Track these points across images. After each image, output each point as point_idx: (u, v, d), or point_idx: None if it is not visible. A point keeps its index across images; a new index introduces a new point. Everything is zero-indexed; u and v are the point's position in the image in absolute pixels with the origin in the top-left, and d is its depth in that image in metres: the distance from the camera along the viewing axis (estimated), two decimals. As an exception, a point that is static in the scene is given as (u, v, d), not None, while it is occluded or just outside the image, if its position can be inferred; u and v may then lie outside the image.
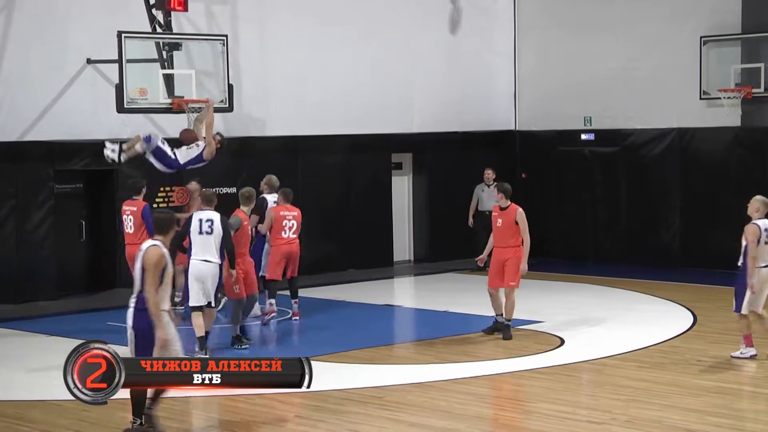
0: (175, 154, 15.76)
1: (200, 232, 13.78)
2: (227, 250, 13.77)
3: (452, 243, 22.61)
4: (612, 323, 16.11)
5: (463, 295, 18.68)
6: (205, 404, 11.81)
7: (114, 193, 18.94)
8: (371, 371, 13.22)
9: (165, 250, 9.93)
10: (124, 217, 15.73)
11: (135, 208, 15.62)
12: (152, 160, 15.73)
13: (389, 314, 17.76)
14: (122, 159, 15.77)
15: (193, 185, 17.01)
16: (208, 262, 13.72)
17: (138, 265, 9.99)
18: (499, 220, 14.87)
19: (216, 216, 13.82)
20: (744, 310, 13.17)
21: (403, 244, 23.08)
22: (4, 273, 17.90)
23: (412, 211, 23.38)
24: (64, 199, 18.75)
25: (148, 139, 15.58)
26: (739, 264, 13.29)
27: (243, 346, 14.31)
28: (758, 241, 13.10)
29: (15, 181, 18.00)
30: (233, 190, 19.58)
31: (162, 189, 19.26)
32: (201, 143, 15.89)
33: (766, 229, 13.19)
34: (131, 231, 15.58)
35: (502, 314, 14.95)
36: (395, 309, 18.17)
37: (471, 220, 21.41)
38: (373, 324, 16.66)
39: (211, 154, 15.84)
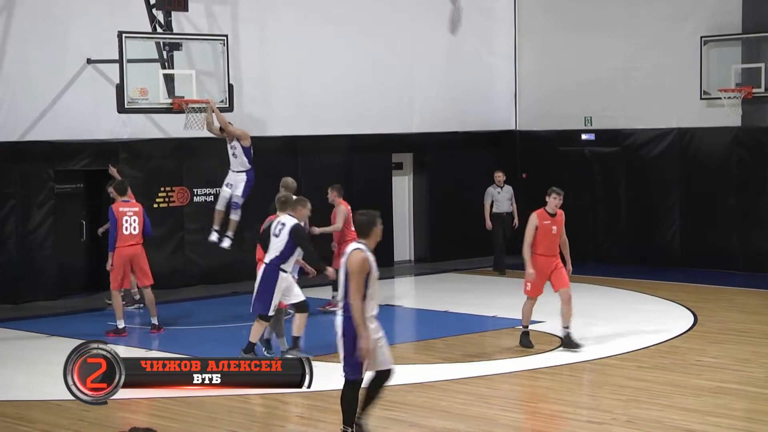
0: (243, 174, 16.56)
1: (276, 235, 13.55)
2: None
3: (453, 243, 22.61)
4: (612, 323, 16.10)
5: (464, 296, 18.68)
6: (206, 404, 11.80)
7: (114, 193, 18.95)
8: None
9: (369, 254, 9.58)
10: (126, 218, 15.43)
11: (137, 209, 15.54)
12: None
13: (389, 314, 17.75)
14: (228, 242, 16.69)
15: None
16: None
17: (342, 271, 9.70)
18: (554, 228, 14.14)
19: (289, 221, 13.55)
20: None
21: (403, 244, 23.08)
22: (5, 273, 17.90)
23: (413, 211, 23.38)
24: (65, 199, 18.75)
25: (237, 206, 16.52)
26: None
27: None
28: None
29: (15, 181, 17.99)
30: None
31: (162, 189, 19.27)
32: (236, 143, 16.26)
33: None
34: (136, 232, 15.47)
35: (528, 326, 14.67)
36: (396, 309, 18.16)
37: (489, 222, 21.17)
38: (374, 324, 16.65)
39: (248, 139, 16.52)
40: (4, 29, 17.79)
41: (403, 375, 12.96)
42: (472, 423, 10.75)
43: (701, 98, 21.03)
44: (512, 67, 24.16)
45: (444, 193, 22.90)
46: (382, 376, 9.83)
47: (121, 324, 15.43)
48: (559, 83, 23.43)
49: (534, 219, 14.07)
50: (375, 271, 9.64)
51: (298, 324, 13.76)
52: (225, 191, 16.73)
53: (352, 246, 9.71)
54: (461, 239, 22.06)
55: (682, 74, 21.46)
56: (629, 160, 22.44)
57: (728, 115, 20.77)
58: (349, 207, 16.69)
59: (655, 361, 13.41)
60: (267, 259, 13.48)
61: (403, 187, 23.25)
